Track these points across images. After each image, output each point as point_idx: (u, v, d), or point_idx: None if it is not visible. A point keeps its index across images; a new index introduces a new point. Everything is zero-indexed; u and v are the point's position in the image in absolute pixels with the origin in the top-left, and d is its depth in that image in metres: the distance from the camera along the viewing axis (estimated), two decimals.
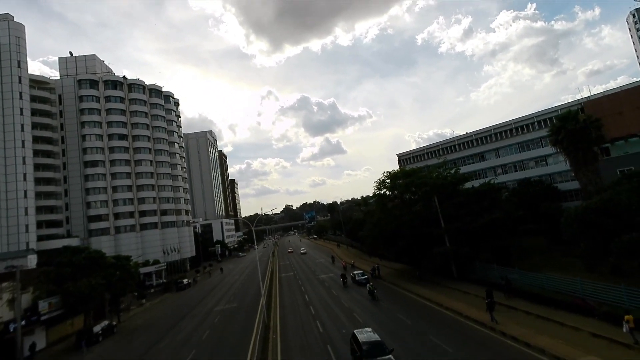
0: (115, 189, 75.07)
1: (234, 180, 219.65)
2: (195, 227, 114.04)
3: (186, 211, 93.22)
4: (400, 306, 30.72)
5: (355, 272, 44.99)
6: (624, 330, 17.03)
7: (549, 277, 25.15)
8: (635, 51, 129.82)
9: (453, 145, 70.03)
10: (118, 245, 70.91)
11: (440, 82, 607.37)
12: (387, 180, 44.47)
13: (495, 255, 36.20)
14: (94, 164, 73.17)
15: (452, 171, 42.84)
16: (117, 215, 74.66)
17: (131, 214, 76.50)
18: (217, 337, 29.41)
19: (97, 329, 34.54)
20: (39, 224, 61.39)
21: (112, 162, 75.53)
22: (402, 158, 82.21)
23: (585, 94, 48.07)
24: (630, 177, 22.72)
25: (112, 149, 75.98)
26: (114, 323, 38.46)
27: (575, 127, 32.93)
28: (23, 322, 29.01)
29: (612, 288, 20.65)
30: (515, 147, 59.92)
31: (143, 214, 78.30)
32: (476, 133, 65.76)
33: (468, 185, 44.40)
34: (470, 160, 66.86)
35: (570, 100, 53.31)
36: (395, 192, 44.76)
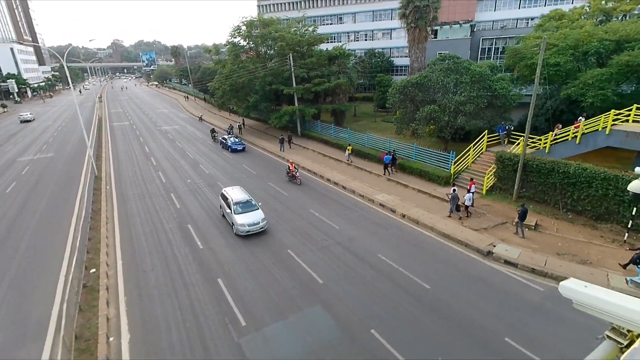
0: None
1: None
2: None
3: None
4: (244, 157, 32.48)
5: (226, 137, 36.55)
6: (345, 154, 28.65)
7: (370, 136, 30.66)
8: None
9: None
10: None
11: None
12: (244, 27, 39.94)
13: (334, 117, 40.85)
14: None
15: (311, 29, 41.60)
16: None
17: None
18: (27, 190, 25.12)
19: None
20: None
21: None
22: (263, 4, 73.77)
23: None
24: (444, 60, 27.23)
25: None
26: None
27: (421, 4, 35.52)
28: None
29: (408, 146, 27.04)
30: (370, 15, 61.82)
31: None
32: None
33: (323, 47, 44.85)
34: (328, 20, 65.93)
35: None
36: (251, 42, 41.29)
